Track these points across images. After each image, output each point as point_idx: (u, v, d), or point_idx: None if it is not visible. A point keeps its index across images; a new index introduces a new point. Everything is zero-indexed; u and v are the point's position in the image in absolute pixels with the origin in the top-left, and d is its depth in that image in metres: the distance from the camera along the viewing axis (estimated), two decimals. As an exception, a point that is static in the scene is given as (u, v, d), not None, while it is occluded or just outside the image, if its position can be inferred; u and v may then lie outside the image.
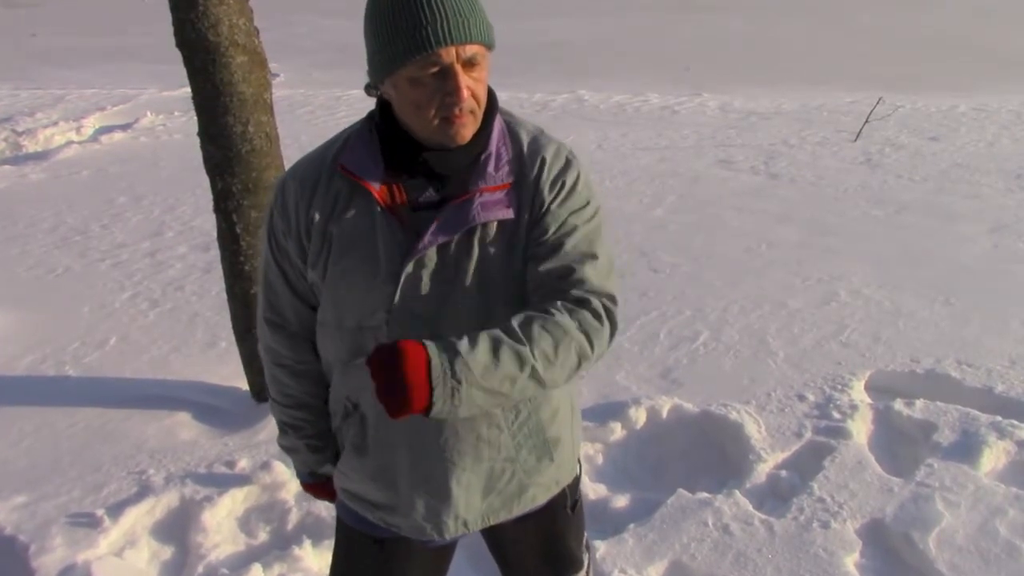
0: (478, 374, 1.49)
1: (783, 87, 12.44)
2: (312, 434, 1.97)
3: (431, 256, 1.65)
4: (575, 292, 1.64)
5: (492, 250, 1.67)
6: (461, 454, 1.76)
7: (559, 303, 1.61)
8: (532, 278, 1.68)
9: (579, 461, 2.06)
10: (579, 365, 1.62)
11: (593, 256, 1.69)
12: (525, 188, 1.68)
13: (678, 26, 19.50)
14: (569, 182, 1.70)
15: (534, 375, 1.55)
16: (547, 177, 1.69)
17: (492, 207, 1.65)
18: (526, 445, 1.82)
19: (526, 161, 1.70)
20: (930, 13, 20.18)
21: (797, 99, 11.42)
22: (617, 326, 1.67)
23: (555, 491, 1.95)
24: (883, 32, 17.89)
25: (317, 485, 2.07)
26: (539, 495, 1.91)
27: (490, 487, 1.83)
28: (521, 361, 1.53)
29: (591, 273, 1.67)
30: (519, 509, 1.90)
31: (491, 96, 1.69)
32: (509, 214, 1.66)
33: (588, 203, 1.72)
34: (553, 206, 1.68)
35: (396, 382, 1.46)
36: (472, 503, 1.82)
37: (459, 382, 1.48)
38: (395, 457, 1.78)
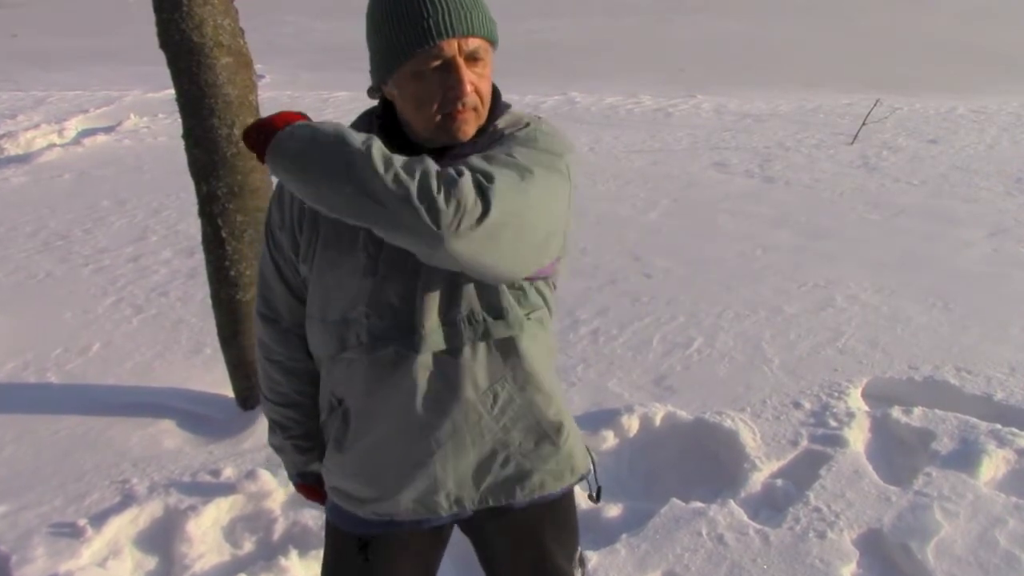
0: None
1: (779, 89, 12.44)
2: (299, 434, 1.98)
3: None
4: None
5: None
6: (439, 443, 1.74)
7: None
8: None
9: (589, 451, 2.03)
10: (350, 181, 1.49)
11: (495, 159, 1.55)
12: None
13: (672, 27, 19.53)
14: (511, 132, 1.64)
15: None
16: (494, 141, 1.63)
17: None
18: (516, 427, 1.79)
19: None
20: (928, 14, 20.21)
21: (793, 101, 11.42)
22: (488, 200, 1.47)
23: (571, 480, 1.92)
24: (880, 33, 17.91)
25: (307, 486, 2.08)
26: (549, 482, 1.87)
27: (484, 470, 1.80)
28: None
29: (476, 160, 1.54)
30: (525, 494, 1.86)
31: (496, 96, 1.67)
32: None
33: (528, 144, 1.61)
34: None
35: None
36: (463, 483, 1.80)
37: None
38: (376, 450, 1.78)
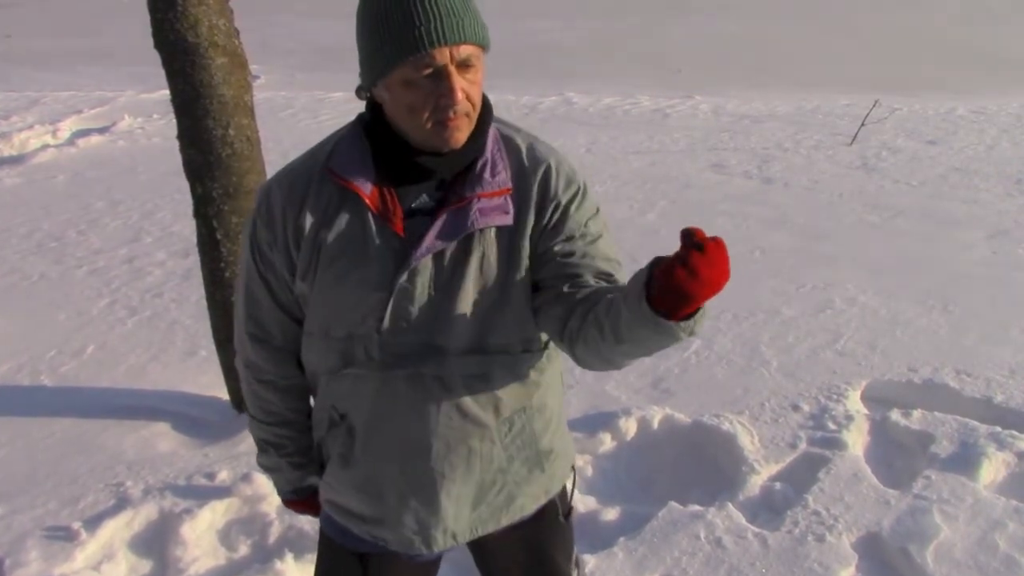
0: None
1: (777, 89, 12.42)
2: (294, 451, 1.94)
3: (426, 263, 1.62)
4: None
5: (489, 257, 1.65)
6: (452, 467, 1.73)
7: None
8: (562, 277, 1.64)
9: (573, 469, 2.03)
10: None
11: (619, 262, 1.71)
12: (525, 194, 1.66)
13: (669, 27, 19.50)
14: (581, 189, 1.72)
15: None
16: (557, 183, 1.68)
17: (490, 213, 1.62)
18: (519, 457, 1.80)
19: (527, 168, 1.68)
20: (928, 14, 20.21)
21: (791, 102, 11.39)
22: None
23: (543, 500, 1.93)
24: (880, 33, 17.91)
25: (299, 501, 2.05)
26: (527, 505, 1.89)
27: (480, 499, 1.81)
28: None
29: (622, 278, 1.66)
30: (507, 519, 1.88)
31: (485, 101, 1.66)
32: (507, 220, 1.64)
33: (598, 211, 1.73)
34: (572, 210, 1.68)
35: (722, 269, 1.31)
36: (461, 515, 1.80)
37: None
38: (384, 468, 1.76)
